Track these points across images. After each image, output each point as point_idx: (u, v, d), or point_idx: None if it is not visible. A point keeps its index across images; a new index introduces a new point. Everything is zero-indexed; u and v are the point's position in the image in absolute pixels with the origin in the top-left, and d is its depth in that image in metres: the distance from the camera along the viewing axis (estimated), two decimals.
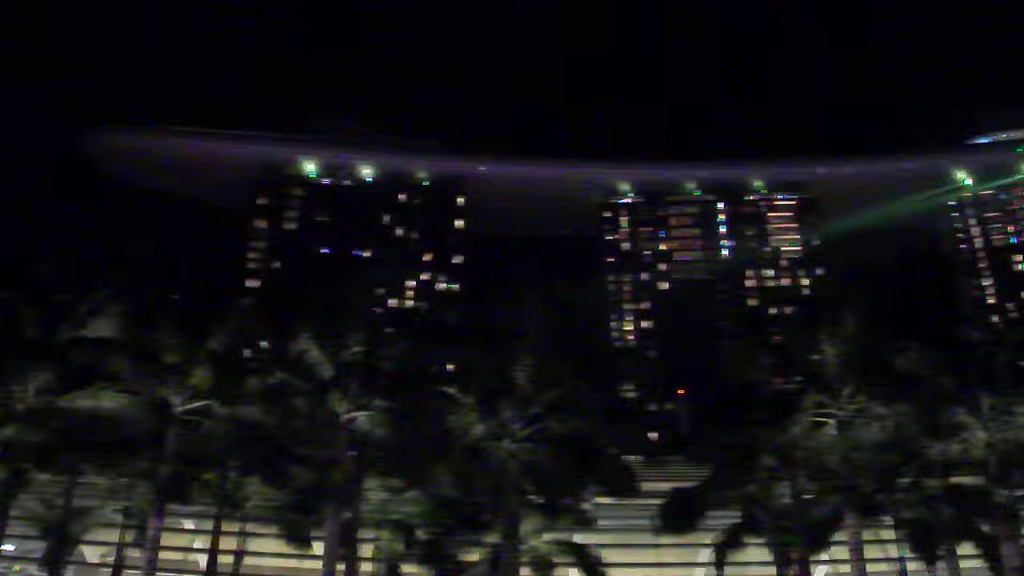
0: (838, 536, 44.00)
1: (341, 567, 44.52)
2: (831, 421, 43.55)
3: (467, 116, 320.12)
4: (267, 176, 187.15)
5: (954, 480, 43.90)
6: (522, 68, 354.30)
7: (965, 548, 44.00)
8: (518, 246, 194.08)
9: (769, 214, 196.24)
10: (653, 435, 60.27)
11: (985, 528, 43.57)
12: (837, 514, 43.10)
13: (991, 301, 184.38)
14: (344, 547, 44.41)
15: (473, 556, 44.24)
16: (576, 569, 44.51)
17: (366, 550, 48.09)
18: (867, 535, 44.79)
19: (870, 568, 44.65)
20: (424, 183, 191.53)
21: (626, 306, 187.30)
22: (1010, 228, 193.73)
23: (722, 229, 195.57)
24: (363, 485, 44.58)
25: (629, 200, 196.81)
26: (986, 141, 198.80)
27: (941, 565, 44.13)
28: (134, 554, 49.10)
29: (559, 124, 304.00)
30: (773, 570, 44.70)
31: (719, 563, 44.43)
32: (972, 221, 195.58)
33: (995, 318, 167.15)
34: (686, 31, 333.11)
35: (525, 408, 42.42)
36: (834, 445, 42.98)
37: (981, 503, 42.71)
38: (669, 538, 48.06)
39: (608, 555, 44.77)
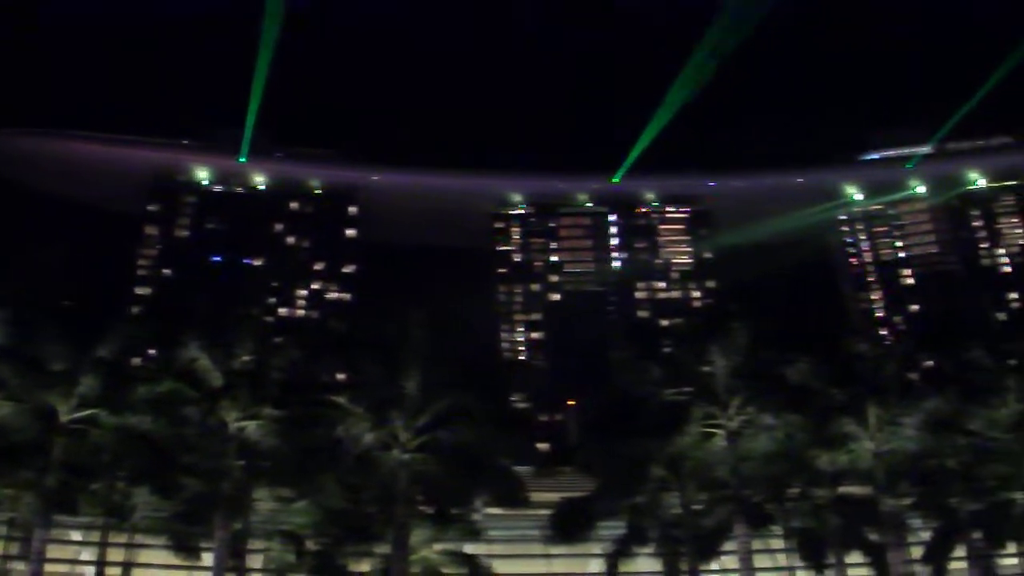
0: (728, 545, 56.75)
1: None
2: (720, 432, 56.07)
3: (361, 125, 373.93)
4: (159, 182, 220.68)
5: (842, 490, 56.90)
6: (417, 77, 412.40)
7: (853, 556, 57.47)
8: (410, 256, 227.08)
9: (660, 226, 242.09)
10: (543, 445, 74.15)
11: (872, 536, 57.09)
12: (726, 524, 55.73)
13: (879, 314, 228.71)
14: (233, 558, 55.69)
15: (363, 567, 55.80)
16: None
17: (256, 561, 59.92)
18: (756, 544, 57.95)
19: None
20: (317, 192, 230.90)
21: (517, 317, 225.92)
22: (898, 243, 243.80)
23: (613, 241, 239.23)
24: (252, 495, 55.26)
25: (521, 211, 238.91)
26: (876, 157, 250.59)
27: (829, 573, 56.35)
28: (19, 567, 59.58)
29: (453, 135, 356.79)
30: None
31: (610, 573, 56.90)
32: (861, 236, 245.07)
33: (883, 331, 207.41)
34: (572, 38, 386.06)
35: (415, 418, 54.51)
36: (723, 456, 55.65)
37: (868, 512, 56.34)
38: (560, 548, 61.34)
39: (498, 565, 57.69)
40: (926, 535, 60.78)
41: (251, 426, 55.33)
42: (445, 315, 58.39)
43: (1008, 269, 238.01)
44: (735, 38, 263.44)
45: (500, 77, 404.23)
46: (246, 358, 57.50)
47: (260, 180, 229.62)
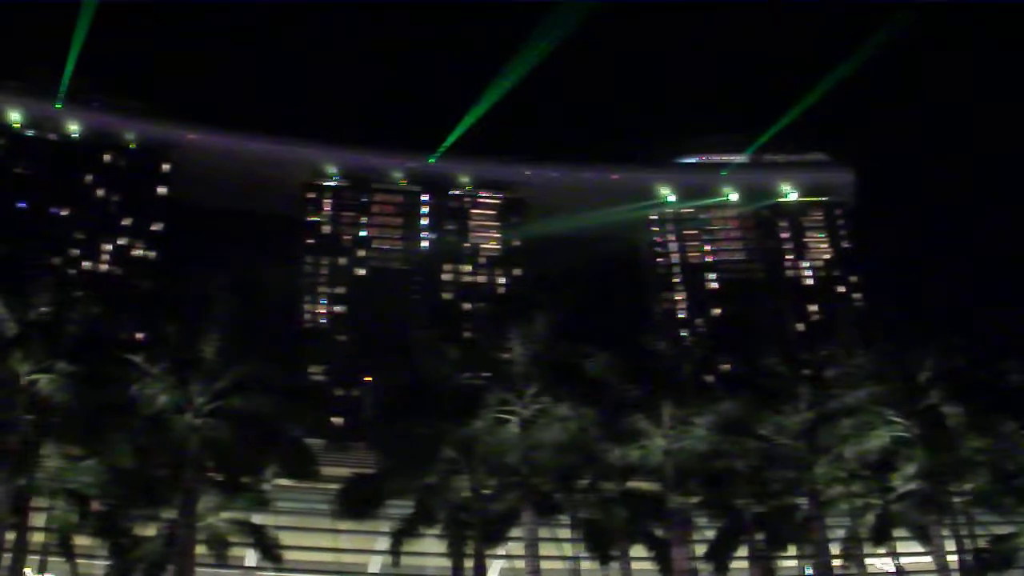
0: (515, 532, 63.56)
1: (11, 536, 58.93)
2: (514, 419, 62.39)
3: (182, 82, 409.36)
4: None
5: (631, 484, 64.61)
6: (242, 40, 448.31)
7: (638, 550, 64.93)
8: (220, 219, 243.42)
9: (473, 210, 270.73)
10: (338, 420, 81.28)
11: (658, 532, 64.56)
12: (514, 511, 62.58)
13: (681, 315, 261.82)
14: (15, 515, 59.07)
15: (149, 531, 60.68)
16: (252, 550, 63.20)
17: (39, 519, 63.68)
18: (543, 532, 64.67)
19: (545, 565, 64.12)
20: (131, 145, 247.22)
21: (321, 289, 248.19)
22: (706, 247, 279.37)
23: (424, 221, 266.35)
24: (40, 451, 58.90)
25: (335, 183, 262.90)
26: (692, 161, 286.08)
27: (614, 565, 64.50)
28: None
29: (272, 100, 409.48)
30: (449, 562, 63.63)
31: (395, 552, 63.47)
32: (670, 237, 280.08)
33: (683, 332, 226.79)
34: (404, 16, 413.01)
35: (211, 383, 59.55)
36: (515, 443, 61.73)
37: (655, 508, 63.78)
38: (347, 524, 67.92)
39: (285, 537, 62.77)
40: (710, 533, 69.24)
41: (43, 380, 59.20)
42: (250, 281, 64.31)
43: (810, 282, 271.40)
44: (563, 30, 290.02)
45: (327, 47, 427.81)
46: (44, 309, 61.64)
47: (74, 128, 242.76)
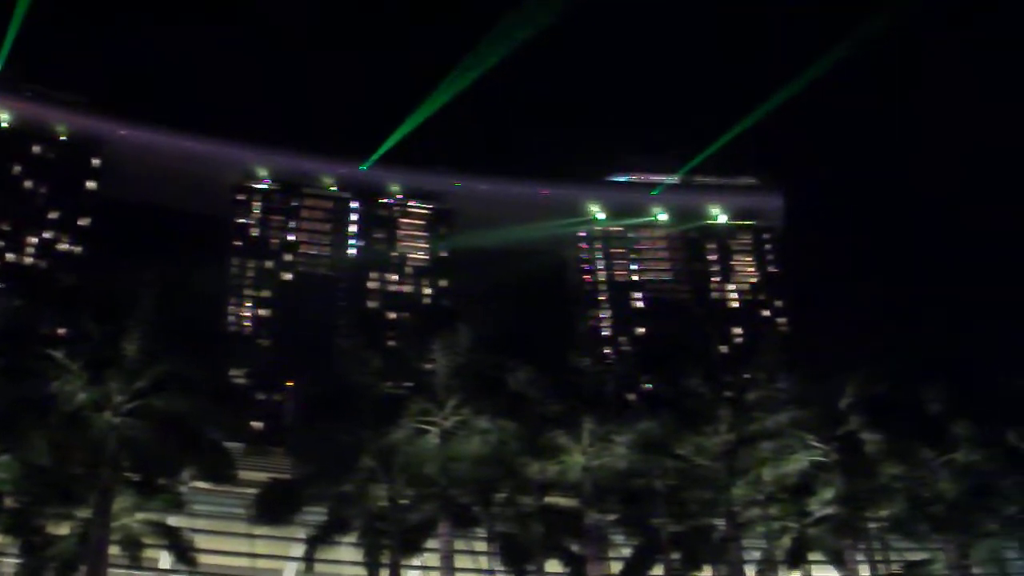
0: (431, 543, 66.62)
1: None
2: (434, 430, 65.66)
3: (116, 77, 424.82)
4: None
5: (549, 500, 68.03)
6: (176, 37, 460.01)
7: (554, 566, 68.39)
8: (148, 216, 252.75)
9: (401, 219, 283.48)
10: (258, 424, 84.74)
11: (574, 548, 67.95)
12: (431, 521, 65.63)
13: (606, 333, 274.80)
14: None
15: (62, 529, 62.42)
16: (167, 552, 65.38)
17: None
18: (460, 544, 67.92)
19: None
20: (62, 138, 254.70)
21: (247, 291, 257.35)
22: (633, 266, 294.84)
23: (353, 228, 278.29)
24: None
25: (265, 186, 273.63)
26: (623, 180, 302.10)
27: None
28: None
29: (206, 99, 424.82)
30: (364, 571, 66.18)
31: (310, 559, 66.68)
32: (598, 254, 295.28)
33: (607, 350, 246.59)
34: (342, 21, 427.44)
35: (132, 381, 61.54)
36: (435, 453, 64.93)
37: (572, 524, 67.28)
38: (263, 529, 70.41)
39: (200, 541, 65.04)
40: (627, 551, 73.24)
41: None
42: (175, 280, 67.57)
43: (736, 304, 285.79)
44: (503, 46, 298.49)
45: (265, 48, 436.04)
46: None
47: (4, 117, 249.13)
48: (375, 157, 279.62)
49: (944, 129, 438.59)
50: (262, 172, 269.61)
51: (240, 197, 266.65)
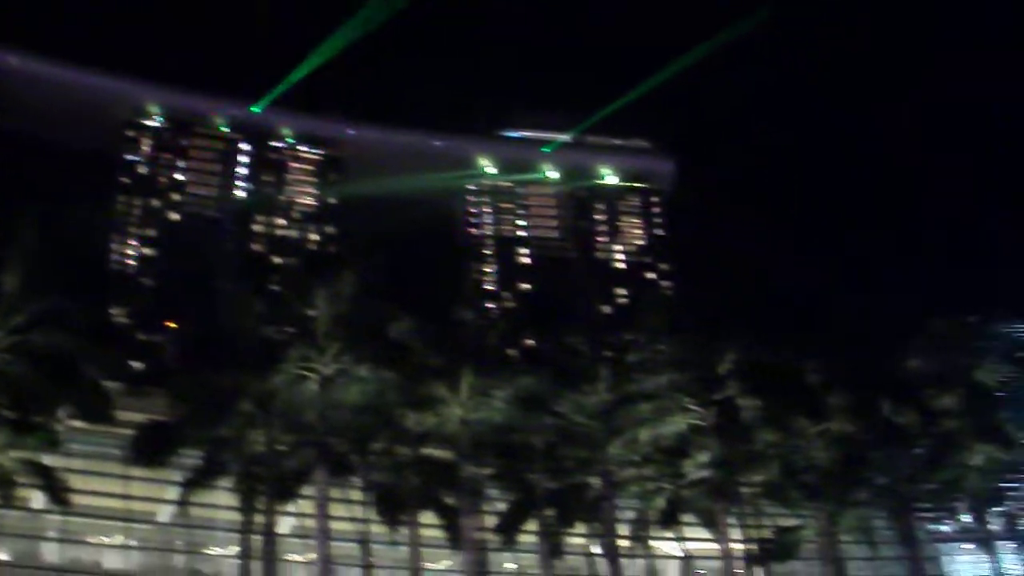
0: (307, 490, 69.21)
1: None
2: (315, 377, 67.61)
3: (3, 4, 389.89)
4: None
5: (426, 451, 70.95)
6: None
7: (428, 517, 71.14)
8: (34, 149, 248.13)
9: (292, 164, 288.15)
10: (138, 364, 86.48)
11: (449, 500, 70.87)
12: (308, 469, 68.19)
13: (490, 287, 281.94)
14: None
15: None
16: (40, 491, 66.14)
17: None
18: (335, 493, 70.43)
19: (335, 526, 69.97)
20: None
21: (132, 229, 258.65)
22: (520, 222, 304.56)
23: (242, 170, 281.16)
24: None
25: (155, 123, 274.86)
26: (516, 135, 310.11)
27: (403, 530, 70.84)
28: None
29: (99, 30, 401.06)
30: (239, 516, 68.48)
31: (183, 502, 69.17)
32: (487, 208, 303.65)
33: (491, 304, 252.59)
34: None
35: (9, 316, 62.27)
36: (313, 400, 67.28)
37: (448, 476, 70.17)
38: (139, 471, 72.80)
39: (75, 481, 66.35)
40: (502, 506, 76.59)
41: None
42: (58, 215, 69.22)
43: (622, 265, 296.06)
44: None
45: None
46: None
47: None
48: (268, 99, 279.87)
49: (836, 101, 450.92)
50: (153, 109, 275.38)
51: (129, 133, 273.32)
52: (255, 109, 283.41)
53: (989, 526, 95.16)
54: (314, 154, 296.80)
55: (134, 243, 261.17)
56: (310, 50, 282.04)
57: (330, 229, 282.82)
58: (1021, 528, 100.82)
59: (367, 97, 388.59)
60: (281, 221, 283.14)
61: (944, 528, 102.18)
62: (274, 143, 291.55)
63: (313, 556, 71.36)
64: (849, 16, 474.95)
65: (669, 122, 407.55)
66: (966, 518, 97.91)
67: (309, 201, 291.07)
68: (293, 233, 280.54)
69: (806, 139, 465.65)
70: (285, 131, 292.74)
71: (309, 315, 70.30)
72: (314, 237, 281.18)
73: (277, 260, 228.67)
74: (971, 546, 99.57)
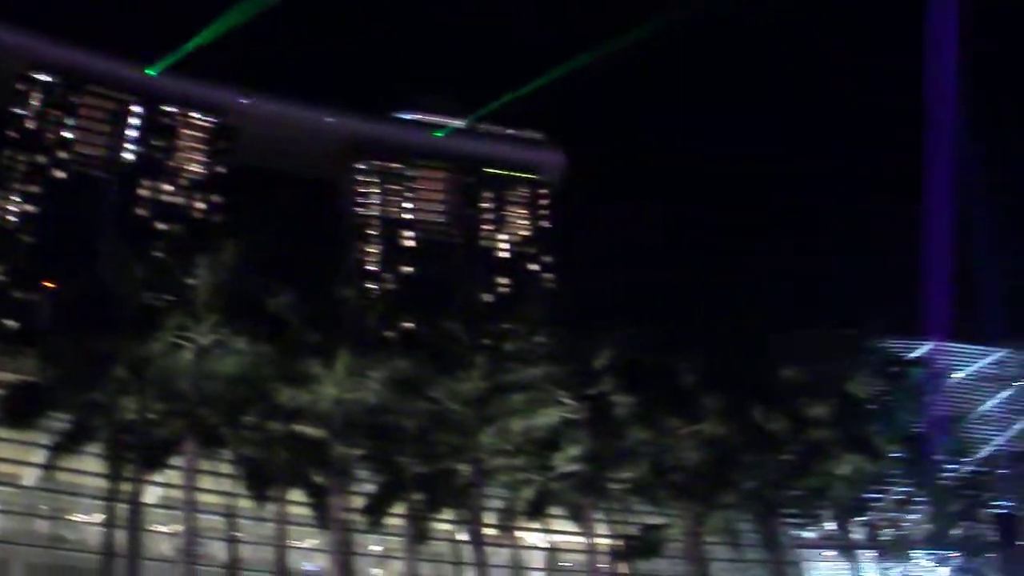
0: (176, 461, 69.89)
1: None
2: (191, 346, 68.20)
3: None
4: None
5: (297, 428, 72.08)
6: None
7: (297, 495, 72.36)
8: None
9: (183, 130, 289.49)
10: (12, 323, 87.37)
11: (318, 479, 72.08)
12: (178, 439, 68.69)
13: (373, 268, 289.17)
14: None
15: None
16: None
17: None
18: (205, 464, 71.52)
19: (202, 498, 70.96)
20: None
21: (15, 185, 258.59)
22: (408, 204, 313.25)
23: (133, 132, 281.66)
24: None
25: (47, 78, 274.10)
26: (409, 118, 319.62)
27: (270, 507, 71.95)
28: None
29: None
30: (106, 483, 68.80)
31: (51, 466, 70.13)
32: (375, 190, 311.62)
33: (372, 285, 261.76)
34: None
35: None
36: (188, 370, 67.89)
37: (319, 454, 71.34)
38: (6, 432, 72.39)
39: None
40: (371, 487, 77.96)
41: None
42: None
43: (506, 255, 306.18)
44: None
45: None
46: None
47: None
48: (165, 63, 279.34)
49: (727, 102, 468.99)
50: (46, 63, 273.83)
51: (19, 87, 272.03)
52: (151, 72, 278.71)
53: (851, 534, 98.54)
54: (206, 121, 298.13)
55: (16, 199, 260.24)
56: (212, 18, 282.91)
57: (217, 198, 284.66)
58: (882, 538, 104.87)
59: (264, 69, 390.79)
60: (168, 187, 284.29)
61: (808, 534, 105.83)
62: (167, 107, 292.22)
63: (179, 528, 71.58)
64: (739, 20, 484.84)
65: (563, 116, 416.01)
66: (830, 525, 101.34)
67: (198, 168, 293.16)
68: (179, 200, 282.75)
69: (696, 141, 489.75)
70: (179, 96, 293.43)
71: (189, 284, 70.55)
72: (200, 205, 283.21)
73: (161, 226, 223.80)
74: (833, 553, 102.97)
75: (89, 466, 72.93)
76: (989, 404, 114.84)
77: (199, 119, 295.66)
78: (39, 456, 75.68)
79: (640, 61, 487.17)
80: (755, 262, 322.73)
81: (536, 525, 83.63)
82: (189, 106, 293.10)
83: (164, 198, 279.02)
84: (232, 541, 78.02)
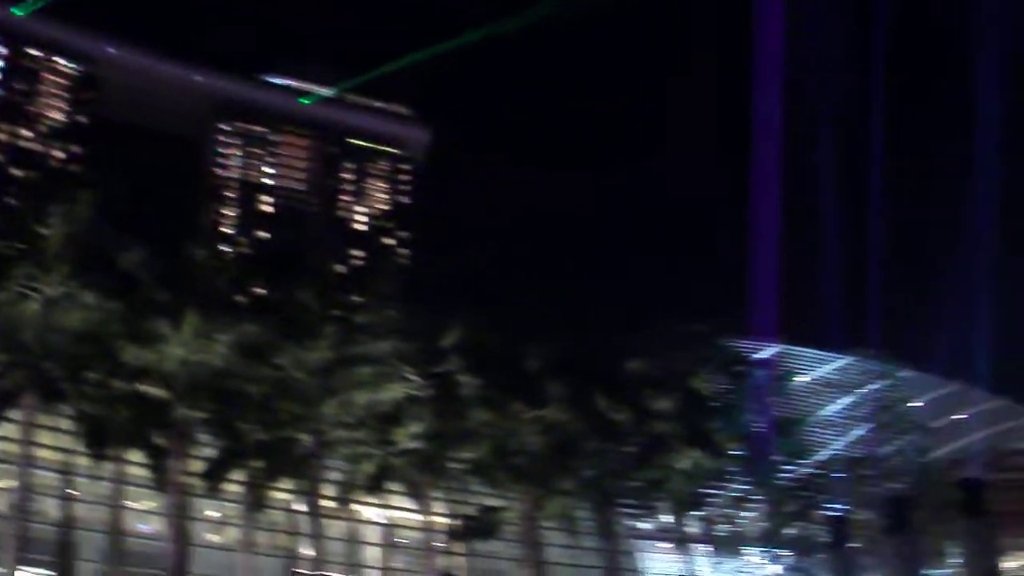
0: (14, 414, 70.11)
1: None
2: (38, 297, 68.15)
3: None
4: None
5: (141, 388, 72.35)
6: None
7: (136, 455, 73.91)
8: None
9: (44, 75, 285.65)
10: None
11: (158, 440, 73.20)
12: (18, 391, 68.91)
13: (228, 231, 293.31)
14: None
15: None
16: None
17: None
18: (44, 419, 72.35)
19: (39, 453, 72.16)
20: None
21: None
22: (268, 169, 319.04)
23: None
24: None
25: None
26: (277, 82, 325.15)
27: (108, 465, 73.74)
28: None
29: None
30: None
31: None
32: (236, 152, 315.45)
33: (226, 247, 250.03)
34: None
35: None
36: (33, 322, 67.82)
37: (161, 415, 72.17)
38: None
39: None
40: (211, 452, 78.90)
41: None
42: None
43: (362, 227, 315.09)
44: None
45: None
46: None
47: None
48: (33, 5, 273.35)
49: (599, 90, 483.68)
50: None
51: None
52: (16, 11, 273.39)
53: (687, 528, 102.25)
54: (71, 69, 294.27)
55: None
56: None
57: (76, 148, 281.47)
58: (717, 533, 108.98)
59: (136, 22, 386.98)
60: (26, 132, 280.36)
61: (644, 525, 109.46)
62: (30, 50, 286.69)
63: (12, 483, 71.17)
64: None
65: (432, 94, 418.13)
66: (667, 518, 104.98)
67: (59, 116, 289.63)
68: (37, 147, 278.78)
69: (562, 130, 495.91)
70: (44, 39, 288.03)
71: (41, 233, 70.68)
72: (58, 154, 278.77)
73: (16, 172, 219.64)
74: (668, 545, 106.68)
75: None
76: (830, 409, 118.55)
77: (64, 65, 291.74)
78: None
79: (518, 45, 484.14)
80: (613, 253, 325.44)
81: (374, 500, 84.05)
82: (55, 51, 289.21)
83: (21, 144, 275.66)
84: (67, 499, 78.15)
